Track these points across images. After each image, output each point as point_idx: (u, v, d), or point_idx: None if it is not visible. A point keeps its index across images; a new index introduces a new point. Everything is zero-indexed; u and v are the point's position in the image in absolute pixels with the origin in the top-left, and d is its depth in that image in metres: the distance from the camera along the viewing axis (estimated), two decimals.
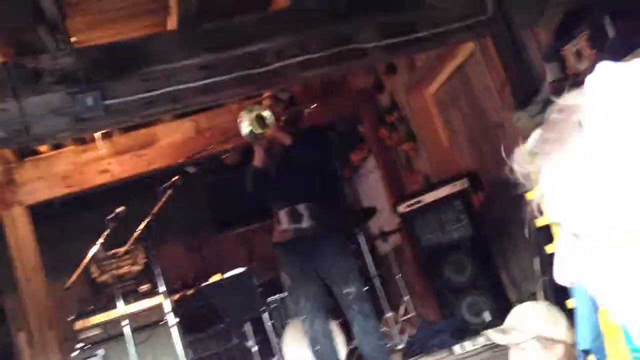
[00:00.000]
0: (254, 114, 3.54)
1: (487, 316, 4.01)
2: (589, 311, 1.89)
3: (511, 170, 0.61)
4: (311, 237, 3.53)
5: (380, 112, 5.82)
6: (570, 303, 2.22)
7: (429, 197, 4.51)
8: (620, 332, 1.93)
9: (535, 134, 0.57)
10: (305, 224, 3.55)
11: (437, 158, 5.22)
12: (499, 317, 3.78)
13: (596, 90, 0.51)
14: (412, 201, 4.61)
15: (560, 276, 0.57)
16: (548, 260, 3.56)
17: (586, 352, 1.89)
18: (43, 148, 5.16)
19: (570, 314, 2.12)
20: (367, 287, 4.06)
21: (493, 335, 2.22)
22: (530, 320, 2.15)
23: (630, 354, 1.91)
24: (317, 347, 3.66)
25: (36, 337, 4.66)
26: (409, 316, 4.98)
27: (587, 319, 1.89)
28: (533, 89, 3.55)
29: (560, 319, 2.15)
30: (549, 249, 2.63)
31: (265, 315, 4.54)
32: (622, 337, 1.96)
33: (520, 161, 0.58)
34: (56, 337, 4.65)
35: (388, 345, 3.77)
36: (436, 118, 5.34)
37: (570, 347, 2.09)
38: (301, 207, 3.57)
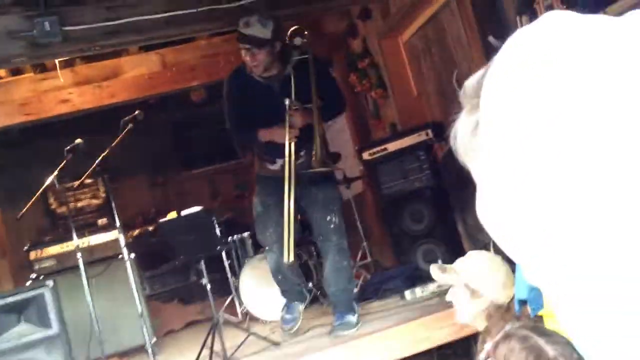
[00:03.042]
0: None
1: (440, 264, 4.08)
2: None
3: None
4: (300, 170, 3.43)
5: (352, 58, 5.75)
6: None
7: (393, 146, 4.52)
8: None
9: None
10: (300, 160, 3.46)
11: (405, 107, 5.21)
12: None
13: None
14: (376, 149, 4.62)
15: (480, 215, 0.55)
16: None
17: (523, 302, 1.95)
18: (1, 73, 5.00)
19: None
20: None
21: (434, 270, 2.27)
22: (468, 267, 2.20)
23: None
24: (280, 277, 3.63)
25: None
26: (365, 262, 5.06)
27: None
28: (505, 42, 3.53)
29: (496, 275, 2.17)
30: None
31: (223, 254, 4.57)
32: None
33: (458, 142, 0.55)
34: (9, 265, 4.62)
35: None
36: (407, 66, 5.30)
37: (497, 304, 2.13)
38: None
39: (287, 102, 3.40)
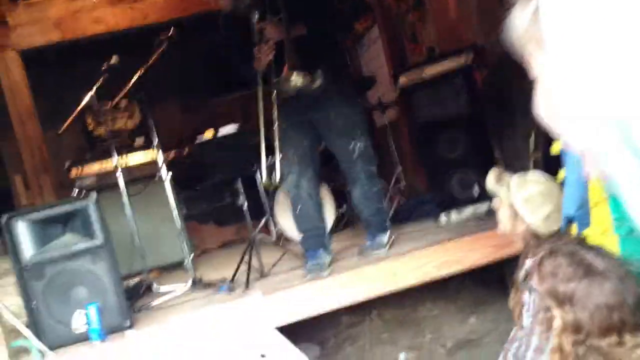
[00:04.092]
0: None
1: (476, 191, 4.06)
2: (577, 180, 1.90)
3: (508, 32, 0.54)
4: (320, 92, 3.24)
5: None
6: (561, 174, 2.23)
7: (430, 70, 4.40)
8: (606, 202, 1.96)
9: None
10: (317, 83, 3.22)
11: (444, 30, 5.05)
12: (486, 193, 3.85)
13: None
14: (413, 73, 4.52)
15: (541, 113, 0.53)
16: (543, 138, 3.56)
17: (570, 220, 1.93)
18: None
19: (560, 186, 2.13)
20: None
21: (493, 174, 2.23)
22: (520, 187, 2.16)
23: (613, 222, 1.96)
24: (299, 208, 3.48)
25: (32, 181, 4.75)
26: (399, 186, 5.06)
27: (575, 188, 1.91)
28: None
29: (544, 206, 2.10)
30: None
31: (258, 176, 4.60)
32: (608, 206, 2.00)
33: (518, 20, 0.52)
34: (51, 181, 4.74)
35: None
36: None
37: (535, 232, 2.10)
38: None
39: (255, 16, 3.19)
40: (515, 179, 2.20)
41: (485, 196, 3.90)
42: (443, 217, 3.87)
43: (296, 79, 3.13)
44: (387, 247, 3.45)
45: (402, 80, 4.58)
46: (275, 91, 3.29)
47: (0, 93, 4.86)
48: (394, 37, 5.71)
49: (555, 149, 2.50)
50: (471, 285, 3.82)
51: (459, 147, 4.40)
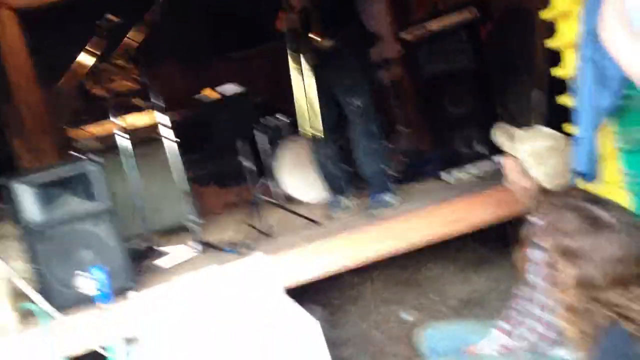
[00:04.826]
0: None
1: (481, 148, 4.02)
2: (588, 135, 1.87)
3: None
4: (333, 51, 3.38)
5: None
6: (567, 128, 2.19)
7: (434, 25, 4.31)
8: (616, 156, 1.94)
9: None
10: (326, 43, 3.37)
11: None
12: (490, 150, 3.81)
13: None
14: (416, 28, 4.42)
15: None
16: (547, 94, 3.51)
17: (579, 174, 1.90)
18: None
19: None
20: None
21: (499, 130, 2.20)
22: (528, 142, 2.12)
23: (624, 177, 1.93)
24: (323, 164, 3.71)
25: (33, 143, 4.72)
26: (403, 145, 5.02)
27: (585, 142, 1.88)
28: None
29: (552, 160, 2.07)
30: (553, 72, 2.55)
31: (260, 136, 4.57)
32: (618, 160, 1.97)
33: None
34: (52, 143, 4.71)
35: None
36: None
37: (542, 188, 2.07)
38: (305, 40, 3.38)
39: None
40: (521, 133, 2.17)
41: (488, 153, 3.88)
42: (446, 175, 3.84)
43: (319, 44, 3.30)
44: (392, 206, 3.46)
45: (407, 36, 4.50)
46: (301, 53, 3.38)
47: None
48: None
49: (562, 99, 2.46)
50: (472, 244, 3.82)
51: (462, 103, 4.34)
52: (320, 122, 3.35)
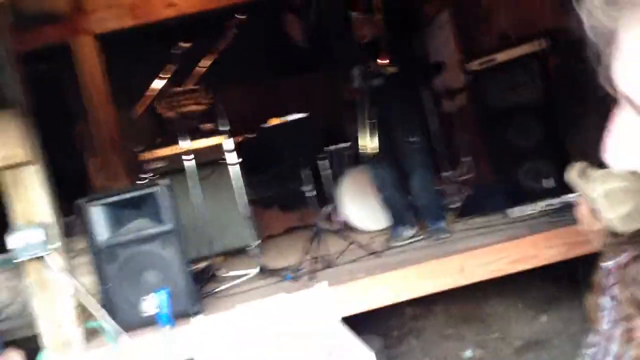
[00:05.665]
0: None
1: (547, 183, 3.92)
2: None
3: (579, 22, 0.50)
4: (383, 89, 3.48)
5: None
6: None
7: (502, 56, 4.25)
8: None
9: None
10: (377, 82, 3.48)
11: (517, 13, 4.87)
12: (559, 185, 3.70)
13: None
14: (483, 59, 4.37)
15: (613, 159, 0.48)
16: None
17: None
18: None
19: None
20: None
21: (576, 168, 2.13)
22: (601, 183, 2.05)
23: None
24: (386, 193, 3.76)
25: (104, 163, 4.90)
26: (467, 177, 4.95)
27: None
28: None
29: (626, 204, 2.00)
30: None
31: (322, 163, 4.60)
32: None
33: (592, 9, 0.46)
34: (123, 164, 4.89)
35: (444, 202, 3.78)
36: None
37: (613, 231, 1.99)
38: (374, 65, 3.48)
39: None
40: (598, 173, 2.09)
41: (557, 190, 3.77)
42: (514, 210, 3.76)
43: (386, 70, 3.44)
44: (447, 233, 3.54)
45: (473, 65, 4.45)
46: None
47: (75, 76, 5.03)
48: (464, 21, 5.55)
49: None
50: (540, 282, 3.70)
51: (529, 136, 4.24)
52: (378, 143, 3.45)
